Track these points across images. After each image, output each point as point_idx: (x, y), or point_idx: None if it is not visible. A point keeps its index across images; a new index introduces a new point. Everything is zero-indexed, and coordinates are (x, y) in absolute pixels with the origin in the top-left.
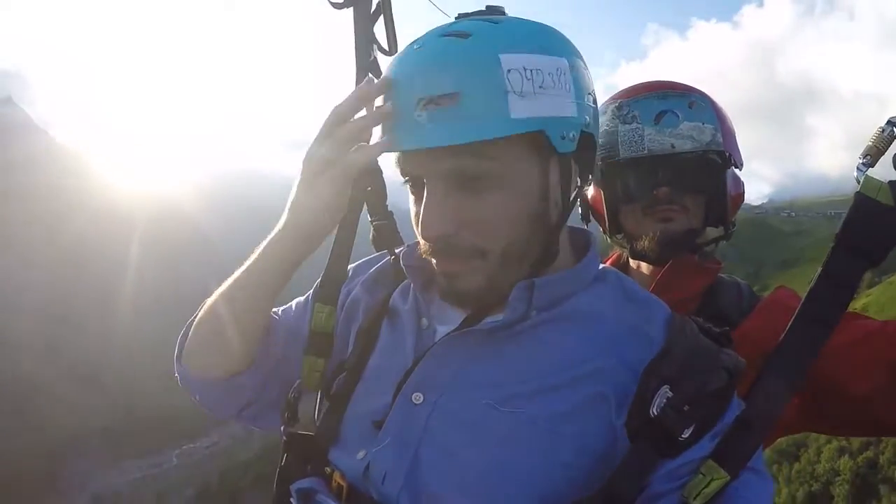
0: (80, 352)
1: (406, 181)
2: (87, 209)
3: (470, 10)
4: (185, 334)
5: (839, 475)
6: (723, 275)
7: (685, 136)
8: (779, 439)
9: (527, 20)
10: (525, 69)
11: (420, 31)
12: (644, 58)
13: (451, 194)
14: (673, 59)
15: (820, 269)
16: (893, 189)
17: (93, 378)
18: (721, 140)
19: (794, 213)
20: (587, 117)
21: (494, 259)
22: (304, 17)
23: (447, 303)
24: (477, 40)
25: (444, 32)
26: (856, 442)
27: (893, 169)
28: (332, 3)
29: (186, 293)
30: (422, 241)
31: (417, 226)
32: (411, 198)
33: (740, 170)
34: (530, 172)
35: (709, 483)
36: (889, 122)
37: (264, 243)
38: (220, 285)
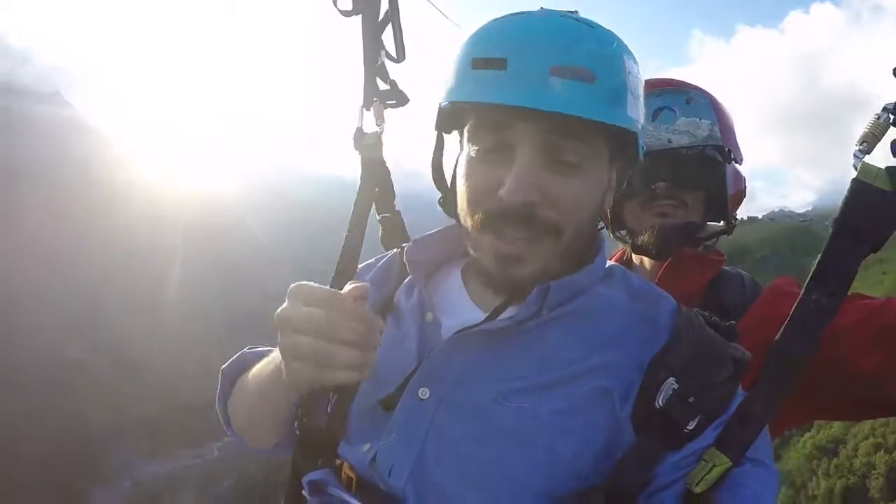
0: (123, 339)
1: (477, 149)
2: (134, 202)
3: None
4: (224, 404)
5: (875, 469)
6: (726, 267)
7: (682, 131)
8: (819, 436)
9: None
10: (635, 76)
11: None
12: (689, 64)
13: (539, 167)
14: (718, 65)
15: (820, 256)
16: (891, 174)
17: (135, 366)
18: (719, 135)
19: None
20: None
21: (564, 242)
22: (329, 19)
23: (489, 289)
24: (603, 34)
25: (562, 14)
26: (891, 438)
27: (892, 155)
28: (340, 11)
29: (230, 285)
30: (477, 215)
31: (484, 193)
32: (479, 165)
33: (740, 164)
34: (604, 170)
35: (710, 469)
36: (884, 109)
37: (276, 361)
38: (262, 280)
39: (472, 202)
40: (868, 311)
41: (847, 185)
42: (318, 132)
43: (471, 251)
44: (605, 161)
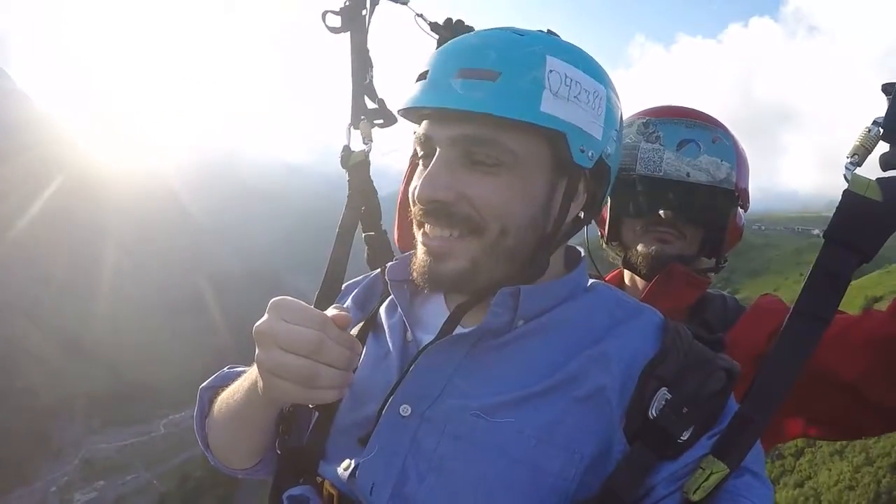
0: (66, 318)
1: (421, 156)
2: (67, 177)
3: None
4: (201, 426)
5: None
6: (709, 289)
7: (702, 168)
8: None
9: (583, 50)
10: (566, 76)
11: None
12: (629, 67)
13: (458, 167)
14: (657, 69)
15: (813, 266)
16: (882, 185)
17: (79, 345)
18: (734, 180)
19: (764, 227)
20: (609, 148)
21: (488, 240)
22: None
23: (425, 287)
24: (531, 39)
25: (500, 28)
26: None
27: (880, 167)
28: (328, 28)
29: (165, 261)
30: (411, 214)
31: (412, 195)
32: (417, 172)
33: (745, 211)
34: (539, 178)
35: (708, 476)
36: (874, 122)
37: (251, 377)
38: (204, 263)
39: (411, 203)
40: (846, 323)
41: (775, 192)
42: (264, 116)
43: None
44: (542, 167)
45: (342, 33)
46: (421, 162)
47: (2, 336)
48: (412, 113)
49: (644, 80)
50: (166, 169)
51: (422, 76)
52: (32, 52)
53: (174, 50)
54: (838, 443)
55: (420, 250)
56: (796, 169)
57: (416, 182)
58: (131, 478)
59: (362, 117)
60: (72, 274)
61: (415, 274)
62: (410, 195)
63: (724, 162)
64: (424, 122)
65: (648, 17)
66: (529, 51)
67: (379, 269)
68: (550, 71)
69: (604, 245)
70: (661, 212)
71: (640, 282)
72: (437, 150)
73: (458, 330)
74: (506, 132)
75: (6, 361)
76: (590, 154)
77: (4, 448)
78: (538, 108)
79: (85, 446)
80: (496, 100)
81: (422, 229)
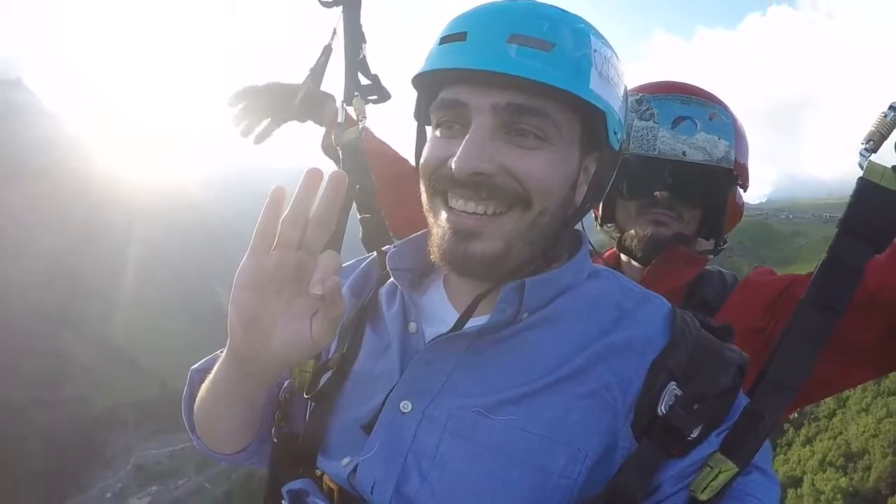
0: (110, 329)
1: (438, 124)
2: (97, 190)
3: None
4: (189, 408)
5: None
6: (707, 266)
7: (698, 146)
8: None
9: None
10: (605, 58)
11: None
12: (649, 61)
13: (497, 138)
14: (677, 64)
15: (825, 256)
16: None
17: (125, 354)
18: (733, 159)
19: (791, 216)
20: (624, 135)
21: (531, 217)
22: (310, 10)
23: (450, 270)
24: (567, 14)
25: (529, 0)
26: None
27: (895, 153)
28: (321, 2)
29: (201, 269)
30: (429, 182)
31: (436, 165)
32: (437, 141)
33: (745, 190)
34: (572, 155)
35: (716, 475)
36: (891, 107)
37: (224, 360)
38: (231, 266)
39: (425, 175)
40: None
41: (800, 180)
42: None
43: (430, 229)
44: (575, 145)
45: (334, 7)
46: (440, 131)
47: (51, 350)
48: (436, 77)
49: (665, 74)
50: (198, 183)
51: (455, 38)
52: (57, 70)
53: (196, 60)
54: (864, 401)
55: (442, 228)
56: (821, 155)
57: (441, 152)
58: (183, 482)
59: (356, 94)
60: (114, 285)
61: (435, 255)
62: (429, 166)
63: (721, 140)
64: (455, 88)
65: (667, 12)
66: (577, 27)
67: (375, 254)
68: (595, 50)
69: (598, 227)
70: (656, 193)
71: (636, 262)
72: (474, 118)
73: (470, 323)
74: (550, 108)
75: (56, 374)
76: (619, 137)
77: (59, 457)
78: (587, 85)
79: (136, 453)
80: (553, 71)
81: (445, 203)
